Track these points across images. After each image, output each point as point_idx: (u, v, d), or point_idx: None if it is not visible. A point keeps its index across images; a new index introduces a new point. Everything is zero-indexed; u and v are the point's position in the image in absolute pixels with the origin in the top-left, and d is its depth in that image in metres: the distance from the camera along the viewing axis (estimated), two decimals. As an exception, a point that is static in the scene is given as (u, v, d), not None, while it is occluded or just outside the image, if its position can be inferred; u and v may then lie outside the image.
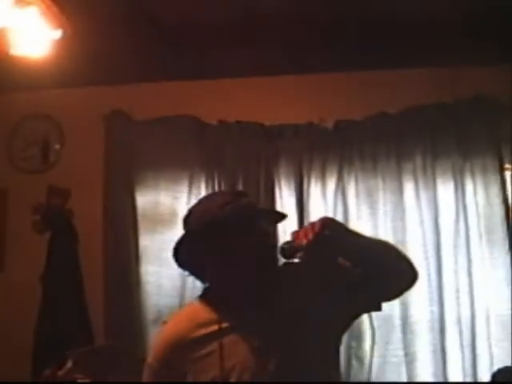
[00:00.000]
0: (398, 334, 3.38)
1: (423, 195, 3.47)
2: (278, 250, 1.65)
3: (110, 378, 2.82)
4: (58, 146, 3.85)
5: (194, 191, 3.63)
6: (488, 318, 3.34)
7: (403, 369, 3.36)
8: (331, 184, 3.55)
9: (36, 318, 3.51)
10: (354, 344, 3.34)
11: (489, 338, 3.32)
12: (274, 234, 1.74)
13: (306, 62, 3.49)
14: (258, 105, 3.66)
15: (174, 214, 3.62)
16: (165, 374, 1.67)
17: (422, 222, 3.44)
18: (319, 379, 1.65)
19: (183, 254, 1.72)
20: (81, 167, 3.72)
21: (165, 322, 1.84)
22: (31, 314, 3.50)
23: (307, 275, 1.72)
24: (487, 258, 3.39)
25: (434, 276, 3.34)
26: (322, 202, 3.54)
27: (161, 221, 3.66)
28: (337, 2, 2.81)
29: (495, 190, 3.41)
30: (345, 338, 2.93)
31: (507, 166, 3.48)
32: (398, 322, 3.38)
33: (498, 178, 3.41)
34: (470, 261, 3.37)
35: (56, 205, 3.70)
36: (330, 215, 3.47)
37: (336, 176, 3.54)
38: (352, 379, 3.32)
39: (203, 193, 3.63)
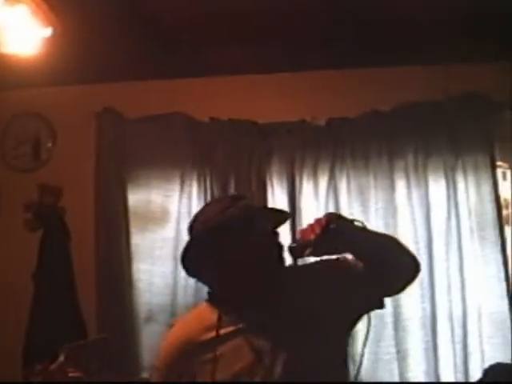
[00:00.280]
0: (389, 331, 3.39)
1: (415, 193, 3.48)
2: (286, 251, 1.64)
3: (102, 373, 2.83)
4: (49, 144, 3.83)
5: (186, 189, 3.63)
6: (480, 315, 3.36)
7: (395, 366, 3.37)
8: (323, 182, 3.56)
9: (28, 317, 3.50)
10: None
11: (480, 335, 3.34)
12: (278, 234, 1.72)
13: (299, 59, 3.49)
14: (251, 102, 3.66)
15: (165, 212, 3.63)
16: (172, 377, 1.66)
17: (413, 220, 3.45)
18: (328, 380, 1.65)
19: (190, 260, 1.71)
20: (72, 165, 3.71)
21: (172, 325, 1.82)
22: (23, 312, 3.49)
23: (313, 275, 1.73)
24: (479, 255, 3.40)
25: (425, 273, 3.34)
26: (313, 200, 3.55)
27: (152, 219, 3.65)
28: (330, 0, 2.81)
29: (487, 187, 3.42)
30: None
31: (499, 163, 3.50)
32: (389, 319, 3.39)
33: (490, 175, 3.42)
34: (461, 258, 3.39)
35: (48, 203, 3.69)
36: (322, 213, 3.45)
37: (328, 174, 3.54)
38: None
39: (195, 191, 3.63)
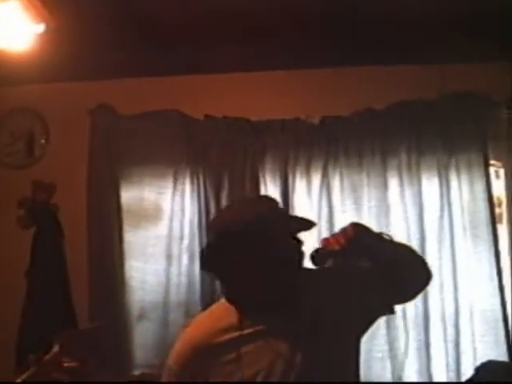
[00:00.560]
0: (382, 330, 3.39)
1: (408, 191, 3.48)
2: (308, 257, 1.67)
3: (98, 371, 2.82)
4: (43, 141, 3.83)
5: (179, 187, 3.63)
6: (472, 314, 3.36)
7: (387, 364, 3.38)
8: (316, 179, 3.56)
9: (20, 314, 3.49)
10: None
11: (473, 334, 3.35)
12: (302, 242, 1.73)
13: (294, 58, 3.48)
14: (245, 100, 3.66)
15: (158, 209, 3.63)
16: (185, 377, 1.65)
17: (406, 218, 3.45)
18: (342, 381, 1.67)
19: (212, 258, 1.70)
20: (66, 162, 3.70)
21: (186, 326, 1.79)
22: (15, 309, 3.49)
23: (331, 279, 1.75)
24: (472, 253, 3.41)
25: (418, 271, 3.34)
26: (306, 198, 3.56)
27: (145, 216, 3.65)
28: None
29: (480, 185, 3.42)
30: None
31: (492, 162, 3.50)
32: (382, 317, 3.38)
33: (483, 173, 3.42)
34: (454, 256, 3.40)
35: (41, 199, 3.68)
36: (315, 210, 3.49)
37: (321, 171, 3.54)
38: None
39: (188, 188, 3.63)
